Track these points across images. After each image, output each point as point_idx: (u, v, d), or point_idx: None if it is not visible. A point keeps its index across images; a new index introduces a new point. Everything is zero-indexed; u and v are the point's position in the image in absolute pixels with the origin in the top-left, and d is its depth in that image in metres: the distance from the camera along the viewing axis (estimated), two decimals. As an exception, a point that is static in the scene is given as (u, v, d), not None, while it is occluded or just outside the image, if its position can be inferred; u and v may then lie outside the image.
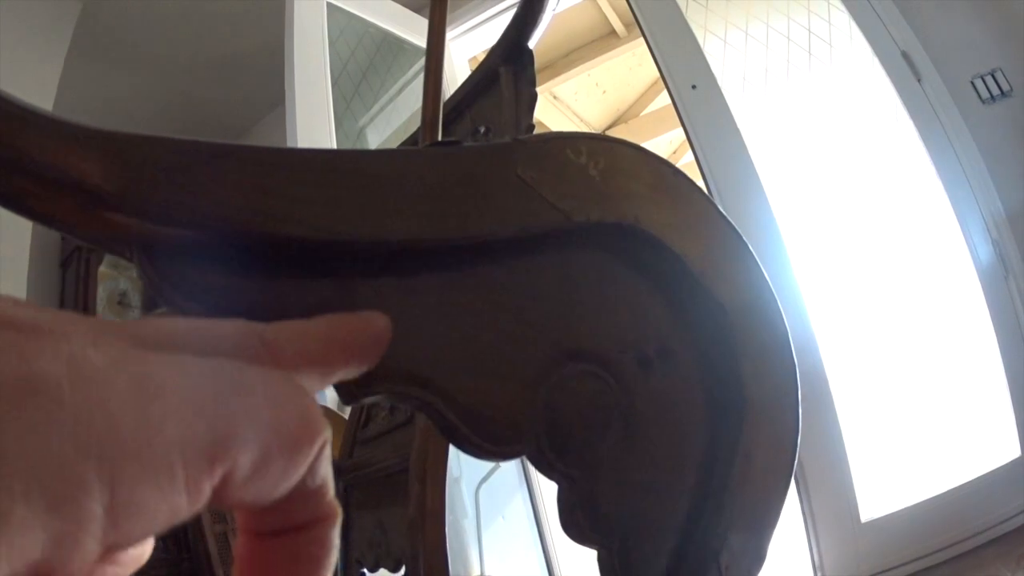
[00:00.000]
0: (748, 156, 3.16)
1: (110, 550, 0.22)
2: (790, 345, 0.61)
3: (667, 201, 0.58)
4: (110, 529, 0.21)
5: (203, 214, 0.43)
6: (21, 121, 0.41)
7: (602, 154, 0.56)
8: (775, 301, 0.61)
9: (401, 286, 0.47)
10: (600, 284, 0.55)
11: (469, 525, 3.59)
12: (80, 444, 0.21)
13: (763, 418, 0.59)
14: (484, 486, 3.62)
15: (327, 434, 0.28)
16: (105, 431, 0.21)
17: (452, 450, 3.40)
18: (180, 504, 0.23)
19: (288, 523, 0.28)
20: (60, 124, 0.42)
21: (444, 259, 0.49)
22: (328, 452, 0.29)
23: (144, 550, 0.28)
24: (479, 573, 3.50)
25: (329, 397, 2.87)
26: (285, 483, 0.26)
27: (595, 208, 0.54)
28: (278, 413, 0.26)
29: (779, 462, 0.60)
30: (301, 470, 0.27)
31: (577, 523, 0.53)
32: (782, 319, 0.61)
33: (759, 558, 0.60)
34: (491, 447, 0.47)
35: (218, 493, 0.24)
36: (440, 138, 1.07)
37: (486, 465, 3.63)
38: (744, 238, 0.61)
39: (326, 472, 0.28)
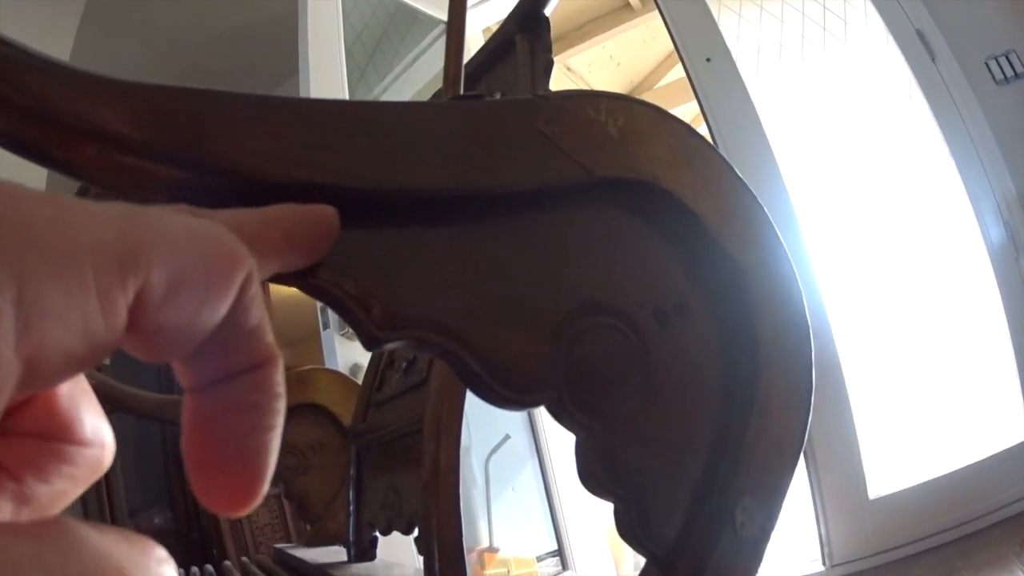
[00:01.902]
0: (762, 130, 3.15)
1: (33, 380, 0.21)
2: (804, 305, 0.61)
3: (685, 161, 0.59)
4: (23, 333, 0.20)
5: (228, 161, 0.43)
6: (41, 71, 0.41)
7: (621, 113, 0.57)
8: (789, 262, 0.61)
9: (425, 235, 0.48)
10: (619, 240, 0.56)
11: (479, 495, 3.60)
12: None
13: (778, 376, 0.60)
14: (494, 457, 3.62)
15: (250, 266, 0.27)
16: (14, 229, 0.20)
17: (463, 420, 3.40)
18: (93, 311, 0.22)
19: (226, 370, 0.27)
20: (81, 74, 0.42)
21: (466, 210, 0.49)
22: (258, 291, 0.27)
23: (102, 455, 0.28)
24: (488, 543, 3.51)
25: (341, 363, 2.89)
26: (207, 312, 0.25)
27: (614, 164, 0.55)
28: (193, 235, 0.25)
29: (794, 420, 0.61)
30: (223, 300, 0.26)
31: (595, 475, 0.53)
32: (796, 280, 0.61)
33: (773, 516, 0.60)
34: (513, 396, 0.48)
35: (135, 314, 0.23)
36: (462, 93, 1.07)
37: (496, 435, 3.64)
38: (759, 200, 0.61)
39: (259, 313, 0.27)
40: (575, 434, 0.53)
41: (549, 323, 0.51)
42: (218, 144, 0.43)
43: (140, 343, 0.25)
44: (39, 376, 0.21)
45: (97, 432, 0.28)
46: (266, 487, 0.27)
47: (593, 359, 0.52)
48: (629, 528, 0.55)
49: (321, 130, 0.46)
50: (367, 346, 0.45)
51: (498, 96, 1.18)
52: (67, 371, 0.23)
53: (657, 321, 0.56)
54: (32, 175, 3.43)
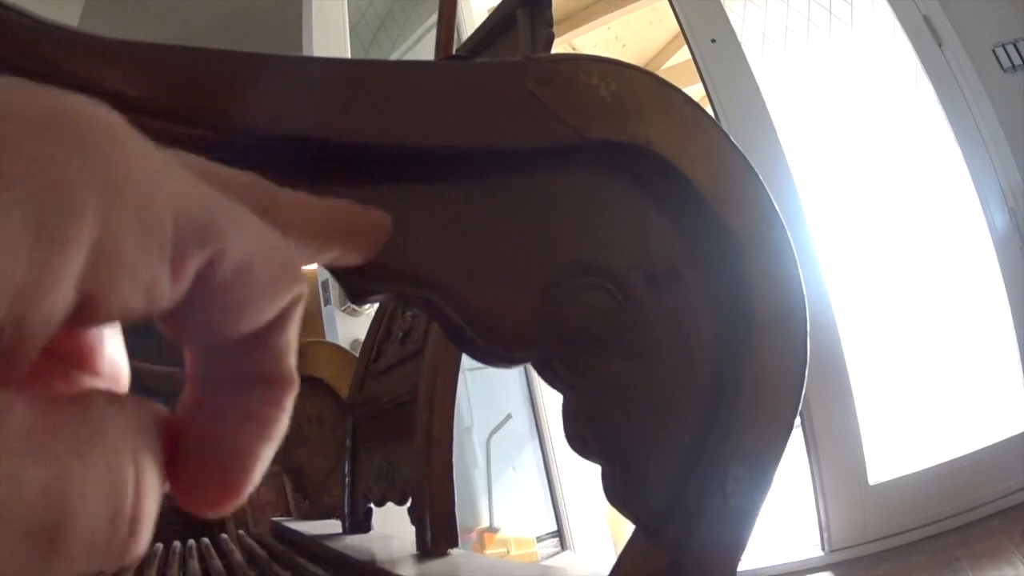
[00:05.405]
0: (767, 113, 3.14)
1: (81, 317, 0.21)
2: (798, 273, 0.61)
3: (678, 126, 0.59)
4: (89, 274, 0.20)
5: (226, 117, 0.43)
6: (43, 33, 0.41)
7: (613, 77, 0.57)
8: (784, 230, 0.61)
9: (417, 191, 0.48)
10: (610, 202, 0.56)
11: (479, 475, 3.61)
12: (86, 171, 0.20)
13: (771, 344, 0.59)
14: (495, 436, 3.63)
15: (302, 291, 0.27)
16: (112, 170, 0.21)
17: (464, 400, 3.39)
18: (162, 275, 0.22)
19: (239, 377, 0.27)
20: (83, 35, 0.42)
21: (458, 168, 0.49)
22: (298, 315, 0.27)
23: (122, 379, 0.28)
24: (488, 523, 3.52)
25: (342, 338, 2.89)
26: (252, 315, 0.25)
27: (606, 127, 0.55)
28: (266, 239, 0.26)
29: (787, 389, 0.60)
30: (271, 309, 0.26)
31: (581, 436, 0.53)
32: (791, 248, 0.61)
33: (764, 487, 0.60)
34: (498, 351, 0.48)
35: (199, 281, 0.23)
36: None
37: (498, 415, 3.65)
38: (754, 167, 0.61)
39: (292, 337, 0.27)
40: (563, 394, 0.52)
41: (537, 282, 0.50)
42: (216, 101, 0.43)
43: (180, 318, 0.25)
44: (90, 316, 0.22)
45: (114, 368, 0.28)
46: (245, 497, 0.27)
47: (581, 318, 0.52)
48: (616, 491, 0.55)
49: (317, 87, 0.46)
50: (353, 299, 0.45)
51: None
52: (116, 319, 0.23)
53: (648, 284, 0.56)
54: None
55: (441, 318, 0.47)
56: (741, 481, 0.59)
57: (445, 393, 0.95)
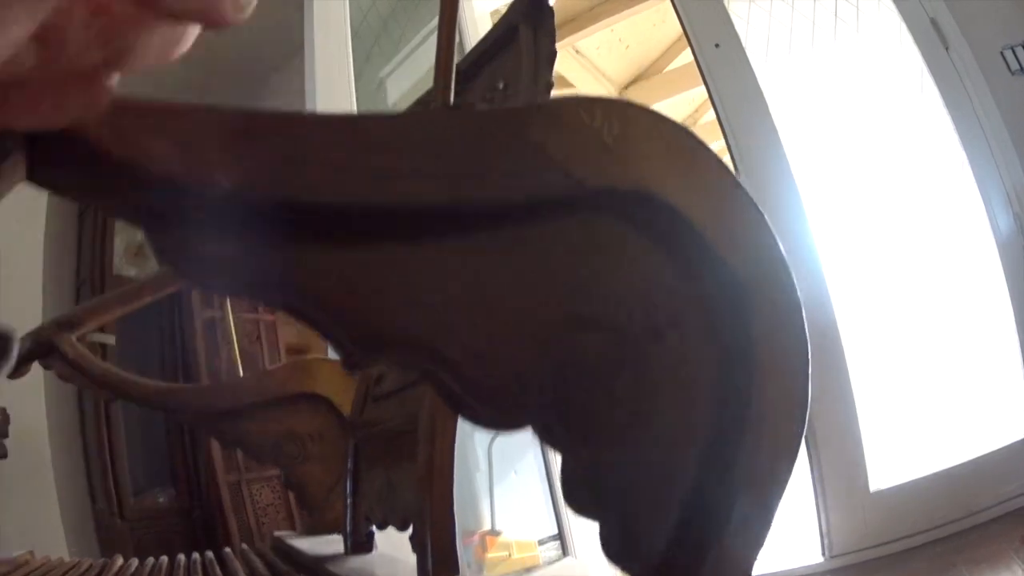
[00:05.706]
0: (771, 118, 3.13)
1: None
2: (802, 317, 0.60)
3: (682, 168, 0.58)
4: None
5: (214, 182, 0.42)
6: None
7: (616, 118, 0.55)
8: (789, 273, 0.60)
9: (411, 251, 0.46)
10: (611, 251, 0.55)
11: (481, 479, 3.61)
12: None
13: (774, 388, 0.59)
14: (497, 440, 3.63)
15: None
16: None
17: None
18: None
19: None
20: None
21: (454, 223, 0.48)
22: None
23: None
24: (490, 527, 3.52)
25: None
26: None
27: (609, 174, 0.54)
28: None
29: (788, 432, 0.60)
30: None
31: (579, 497, 0.52)
32: (795, 291, 0.60)
33: (767, 524, 0.59)
34: (495, 417, 0.47)
35: None
36: (453, 95, 1.05)
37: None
38: (760, 208, 0.60)
39: None
40: (562, 455, 0.52)
41: (535, 340, 0.49)
42: (200, 166, 0.42)
43: None
44: None
45: None
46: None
47: (581, 377, 0.51)
48: (613, 549, 0.54)
49: (310, 148, 0.44)
50: (348, 368, 0.44)
51: (500, 86, 1.18)
52: None
53: (648, 334, 0.55)
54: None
55: (437, 384, 0.46)
56: (745, 523, 0.58)
57: (446, 422, 0.95)
